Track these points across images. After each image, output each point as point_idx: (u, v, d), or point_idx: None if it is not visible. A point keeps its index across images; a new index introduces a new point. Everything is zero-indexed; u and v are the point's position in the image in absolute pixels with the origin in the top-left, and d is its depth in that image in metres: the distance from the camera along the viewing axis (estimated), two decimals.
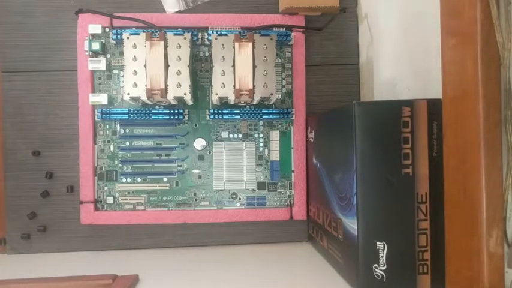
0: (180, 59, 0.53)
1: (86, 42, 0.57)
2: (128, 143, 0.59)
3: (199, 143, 0.59)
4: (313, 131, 0.56)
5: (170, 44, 0.53)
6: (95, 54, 0.57)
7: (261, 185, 0.60)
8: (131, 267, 0.50)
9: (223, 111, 0.57)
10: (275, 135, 0.60)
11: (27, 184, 0.58)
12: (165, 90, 0.52)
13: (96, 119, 0.58)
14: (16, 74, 0.59)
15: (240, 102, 0.58)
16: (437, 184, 0.38)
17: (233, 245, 0.60)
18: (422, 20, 0.46)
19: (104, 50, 0.58)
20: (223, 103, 0.58)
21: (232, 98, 0.54)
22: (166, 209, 0.59)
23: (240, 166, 0.59)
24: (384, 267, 0.39)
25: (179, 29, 0.56)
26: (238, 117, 0.58)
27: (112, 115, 0.57)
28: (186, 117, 0.59)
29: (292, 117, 0.59)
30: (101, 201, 0.58)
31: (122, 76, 0.58)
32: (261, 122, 0.60)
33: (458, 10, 0.34)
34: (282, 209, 0.59)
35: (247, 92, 0.53)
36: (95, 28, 0.57)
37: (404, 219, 0.39)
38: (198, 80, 0.59)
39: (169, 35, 0.53)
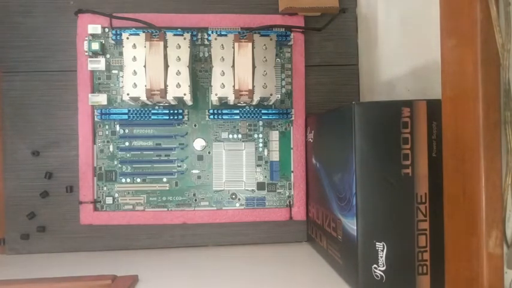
0: (179, 59, 0.53)
1: (86, 43, 0.57)
2: (127, 143, 0.59)
3: (198, 144, 0.59)
4: (313, 132, 0.56)
5: (170, 45, 0.53)
6: (95, 54, 0.57)
7: (260, 186, 0.60)
8: (131, 268, 0.50)
9: (223, 112, 0.58)
10: (275, 135, 0.60)
11: (27, 184, 0.58)
12: (164, 91, 0.52)
13: (95, 119, 0.58)
14: (16, 74, 0.59)
15: (239, 103, 0.58)
16: (436, 185, 0.38)
17: (232, 246, 0.60)
18: (422, 20, 0.46)
19: (103, 50, 0.58)
20: (223, 103, 0.58)
21: (231, 99, 0.54)
22: (166, 209, 0.59)
23: (240, 166, 0.59)
24: (384, 268, 0.39)
25: (179, 29, 0.56)
26: (238, 117, 0.58)
27: (111, 115, 0.57)
28: (186, 118, 0.59)
29: (291, 117, 0.59)
30: (100, 202, 0.58)
31: (122, 76, 0.58)
32: (261, 123, 0.60)
33: (458, 11, 0.34)
34: (282, 209, 0.59)
35: (246, 93, 0.53)
36: (95, 28, 0.57)
37: (404, 220, 0.39)
38: (197, 81, 0.59)
39: (169, 35, 0.53)
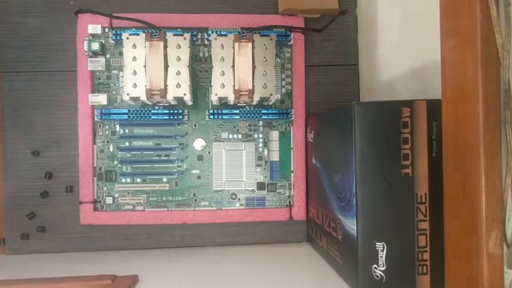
0: (179, 59, 0.53)
1: (86, 43, 0.57)
2: (127, 143, 0.59)
3: (198, 144, 0.59)
4: (313, 132, 0.56)
5: (170, 45, 0.53)
6: (95, 54, 0.57)
7: (260, 186, 0.60)
8: (131, 268, 0.50)
9: (223, 112, 0.58)
10: (275, 135, 0.60)
11: (27, 184, 0.58)
12: (164, 91, 0.52)
13: (95, 119, 0.58)
14: (16, 74, 0.59)
15: (239, 103, 0.58)
16: (436, 185, 0.38)
17: (232, 246, 0.60)
18: (422, 20, 0.46)
19: (103, 50, 0.58)
20: (223, 103, 0.58)
21: (231, 99, 0.54)
22: (166, 209, 0.59)
23: (240, 166, 0.59)
24: (384, 268, 0.39)
25: (179, 29, 0.56)
26: (238, 117, 0.58)
27: (111, 115, 0.57)
28: (186, 118, 0.59)
29: (291, 117, 0.59)
30: (100, 202, 0.58)
31: (122, 76, 0.58)
32: (261, 123, 0.60)
33: (458, 10, 0.34)
34: (282, 209, 0.59)
35: (246, 93, 0.53)
36: (95, 28, 0.57)
37: (404, 220, 0.39)
38: (197, 81, 0.59)
39: (169, 35, 0.53)
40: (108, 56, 0.58)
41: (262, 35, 0.55)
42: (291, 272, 0.51)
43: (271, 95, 0.54)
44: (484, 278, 0.32)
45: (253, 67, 0.53)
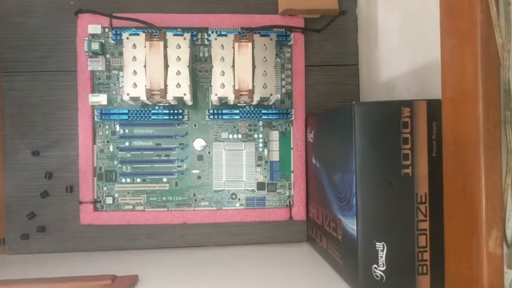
0: (179, 59, 0.53)
1: (86, 43, 0.57)
2: (127, 143, 0.59)
3: (198, 144, 0.59)
4: (313, 132, 0.56)
5: (170, 45, 0.53)
6: (95, 54, 0.57)
7: (260, 186, 0.60)
8: (131, 268, 0.50)
9: (223, 112, 0.58)
10: (275, 135, 0.60)
11: (27, 184, 0.58)
12: (164, 91, 0.52)
13: (95, 119, 0.58)
14: (16, 74, 0.59)
15: (239, 103, 0.58)
16: (436, 185, 0.38)
17: (232, 246, 0.60)
18: (421, 20, 0.46)
19: (103, 50, 0.58)
20: (223, 103, 0.58)
21: (231, 99, 0.54)
22: (166, 209, 0.59)
23: (240, 166, 0.59)
24: (384, 268, 0.39)
25: (179, 30, 0.56)
26: (238, 117, 0.58)
27: (111, 115, 0.57)
28: (186, 118, 0.59)
29: (291, 117, 0.59)
30: (100, 202, 0.58)
31: (122, 76, 0.58)
32: (261, 123, 0.60)
33: (458, 11, 0.34)
34: (282, 209, 0.59)
35: (246, 93, 0.53)
36: (95, 28, 0.57)
37: (404, 220, 0.39)
38: (197, 81, 0.59)
39: (169, 35, 0.53)
40: (108, 56, 0.58)
41: (262, 35, 0.55)
42: (291, 272, 0.51)
43: (271, 95, 0.54)
44: (484, 278, 0.32)
45: (253, 67, 0.53)
